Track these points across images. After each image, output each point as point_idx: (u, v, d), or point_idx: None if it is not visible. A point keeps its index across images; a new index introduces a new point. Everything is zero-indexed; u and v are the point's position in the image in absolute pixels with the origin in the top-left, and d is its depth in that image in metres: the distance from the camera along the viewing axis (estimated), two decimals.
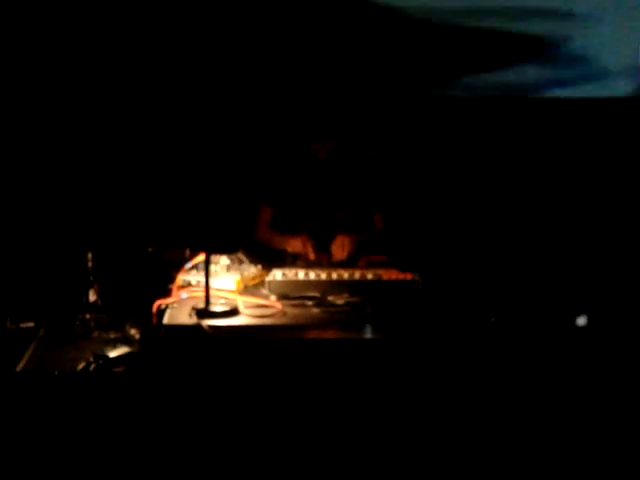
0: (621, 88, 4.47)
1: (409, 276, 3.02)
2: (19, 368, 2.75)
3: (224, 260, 3.07)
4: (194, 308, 2.77)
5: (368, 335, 2.74)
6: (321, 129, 3.64)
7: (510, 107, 4.47)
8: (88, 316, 3.16)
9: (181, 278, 3.01)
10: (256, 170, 3.94)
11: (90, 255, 3.23)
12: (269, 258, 3.28)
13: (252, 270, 3.13)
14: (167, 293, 2.93)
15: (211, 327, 2.67)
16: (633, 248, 3.97)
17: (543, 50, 4.47)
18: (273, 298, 2.93)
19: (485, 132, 4.38)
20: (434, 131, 4.30)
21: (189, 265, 3.01)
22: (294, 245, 3.47)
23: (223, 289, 2.95)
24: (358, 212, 3.69)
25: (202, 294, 2.78)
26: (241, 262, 3.14)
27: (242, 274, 3.06)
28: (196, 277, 3.00)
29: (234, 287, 2.99)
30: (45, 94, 4.30)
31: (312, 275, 3.03)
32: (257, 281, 3.11)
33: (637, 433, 2.75)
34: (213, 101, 4.38)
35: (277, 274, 3.06)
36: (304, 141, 3.69)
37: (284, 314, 2.81)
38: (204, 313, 2.74)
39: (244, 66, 4.37)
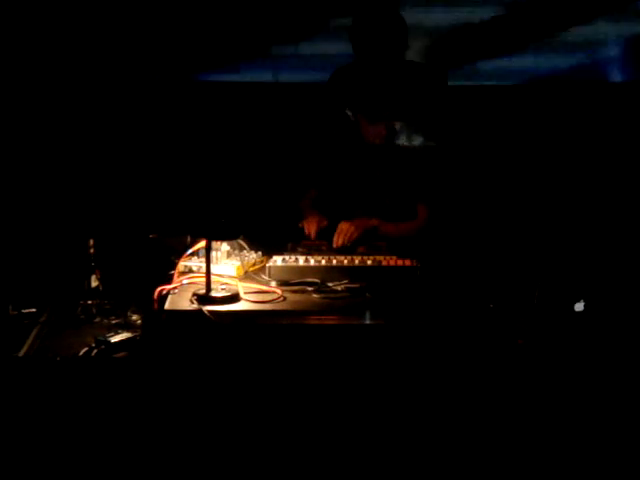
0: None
1: (408, 262, 3.03)
2: (21, 354, 2.77)
3: (225, 246, 3.09)
4: (195, 294, 2.78)
5: (367, 321, 2.75)
6: (372, 112, 3.53)
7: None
8: (90, 302, 3.17)
9: (182, 264, 3.02)
10: (306, 155, 3.89)
11: (92, 241, 3.24)
12: (270, 244, 3.29)
13: (252, 256, 3.14)
14: (168, 279, 2.94)
15: (212, 313, 2.69)
16: (631, 234, 3.98)
17: None
18: (273, 284, 2.94)
19: (484, 121, 4.39)
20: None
21: (190, 251, 3.02)
22: (305, 223, 3.48)
23: (224, 275, 2.97)
24: (403, 201, 3.62)
25: (203, 280, 2.80)
26: (242, 248, 3.15)
27: (242, 260, 3.07)
28: (197, 263, 3.02)
29: (234, 273, 3.00)
30: (45, 82, 4.31)
31: (312, 261, 3.04)
32: (257, 267, 3.12)
33: (635, 420, 2.76)
34: (225, 91, 4.39)
35: (277, 260, 3.07)
36: (352, 124, 3.64)
37: (284, 300, 2.83)
38: (205, 299, 2.75)
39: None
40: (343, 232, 3.35)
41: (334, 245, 3.33)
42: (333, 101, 3.83)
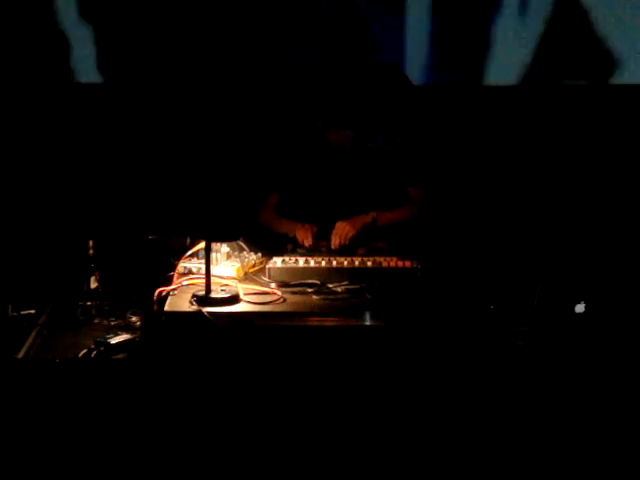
0: None
1: (409, 263, 3.03)
2: (20, 355, 2.77)
3: (224, 248, 3.08)
4: (194, 295, 2.78)
5: (368, 322, 2.75)
6: (338, 118, 3.55)
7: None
8: (89, 303, 3.17)
9: (182, 265, 3.02)
10: (267, 158, 3.87)
11: (91, 242, 3.24)
12: (269, 246, 3.29)
13: (252, 257, 3.13)
14: (168, 280, 2.94)
15: (211, 314, 2.69)
16: (631, 235, 3.98)
17: None
18: (273, 285, 2.94)
19: (485, 122, 4.38)
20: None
21: (189, 253, 3.02)
22: (298, 232, 3.45)
23: (223, 276, 2.96)
24: (378, 197, 3.60)
25: (203, 281, 2.80)
26: (241, 250, 3.15)
27: (242, 261, 3.07)
28: (197, 265, 3.01)
29: (234, 274, 3.00)
30: (46, 82, 4.31)
31: (312, 262, 3.04)
32: (257, 268, 3.11)
33: (636, 422, 2.76)
34: (218, 91, 4.37)
35: (277, 261, 3.07)
36: (319, 130, 3.63)
37: (284, 301, 2.82)
38: (204, 300, 2.75)
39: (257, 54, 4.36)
40: (340, 232, 3.34)
41: (332, 246, 3.33)
42: (293, 103, 3.80)
